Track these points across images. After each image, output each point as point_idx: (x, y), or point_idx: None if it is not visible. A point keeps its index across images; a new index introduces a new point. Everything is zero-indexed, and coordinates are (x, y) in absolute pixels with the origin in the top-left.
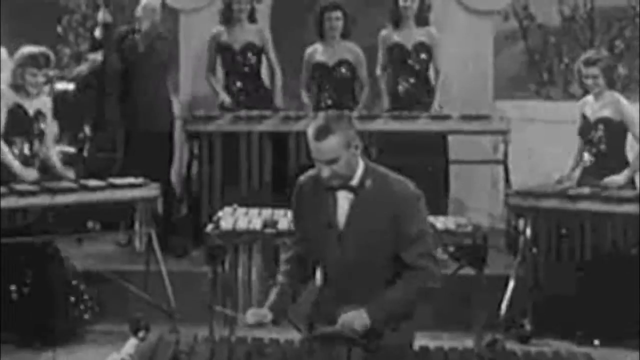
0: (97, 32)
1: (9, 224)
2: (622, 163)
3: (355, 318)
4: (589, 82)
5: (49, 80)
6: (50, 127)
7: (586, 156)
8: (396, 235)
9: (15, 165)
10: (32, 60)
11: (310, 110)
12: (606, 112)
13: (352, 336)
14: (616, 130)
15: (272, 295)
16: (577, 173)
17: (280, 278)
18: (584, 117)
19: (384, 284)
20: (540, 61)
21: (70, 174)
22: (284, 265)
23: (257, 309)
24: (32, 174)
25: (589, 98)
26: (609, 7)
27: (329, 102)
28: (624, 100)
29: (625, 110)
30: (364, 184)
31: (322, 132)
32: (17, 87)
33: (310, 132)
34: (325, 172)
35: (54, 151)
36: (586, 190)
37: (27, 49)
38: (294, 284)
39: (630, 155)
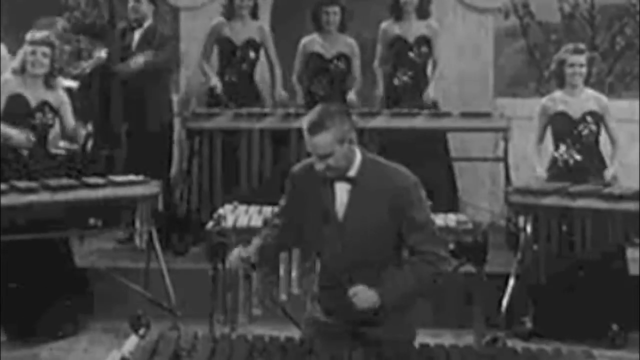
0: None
1: (9, 221)
2: (600, 157)
3: (368, 295)
4: (576, 70)
5: (54, 66)
6: (68, 120)
7: (566, 154)
8: (399, 224)
9: (10, 131)
10: (31, 39)
11: (302, 98)
12: (591, 106)
13: (357, 310)
14: (599, 124)
15: (257, 241)
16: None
17: (264, 232)
18: (562, 114)
19: (384, 272)
20: (540, 59)
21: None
22: (266, 230)
23: (242, 249)
24: (27, 136)
25: (558, 95)
26: (610, 4)
27: (321, 92)
28: (602, 95)
29: (606, 105)
30: (362, 174)
31: (316, 127)
32: (22, 71)
33: (305, 126)
34: (320, 165)
35: (81, 132)
36: (586, 187)
37: (30, 33)
38: (275, 247)
39: (603, 150)
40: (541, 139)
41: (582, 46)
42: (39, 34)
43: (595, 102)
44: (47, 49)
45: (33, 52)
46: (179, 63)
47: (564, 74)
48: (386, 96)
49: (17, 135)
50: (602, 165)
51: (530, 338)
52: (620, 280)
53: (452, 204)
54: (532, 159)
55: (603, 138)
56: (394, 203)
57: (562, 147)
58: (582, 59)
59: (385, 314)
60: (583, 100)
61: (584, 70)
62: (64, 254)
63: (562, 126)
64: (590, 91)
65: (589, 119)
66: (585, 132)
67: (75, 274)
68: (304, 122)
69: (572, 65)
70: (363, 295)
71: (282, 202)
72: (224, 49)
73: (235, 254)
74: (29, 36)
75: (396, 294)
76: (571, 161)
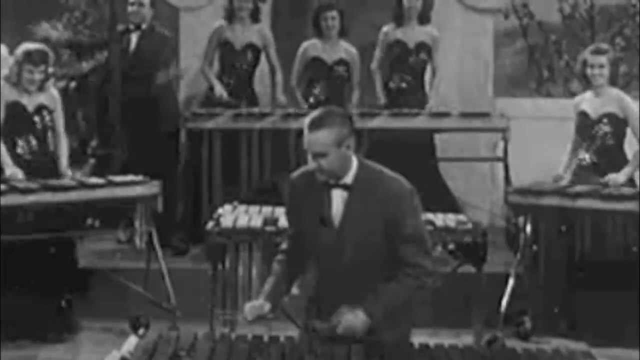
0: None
1: (9, 222)
2: (623, 160)
3: (355, 320)
4: (596, 72)
5: (48, 77)
6: (59, 120)
7: (584, 154)
8: (392, 232)
9: (8, 161)
10: (29, 57)
11: (302, 101)
12: (610, 108)
13: (353, 337)
14: (619, 126)
15: (268, 285)
16: (569, 171)
17: (275, 267)
18: (584, 114)
19: (379, 280)
20: (540, 59)
21: (69, 174)
22: (280, 255)
23: (254, 301)
24: (18, 173)
25: (587, 95)
26: (609, 4)
27: (322, 98)
28: (626, 97)
29: (628, 107)
30: (358, 182)
31: (315, 124)
32: (15, 83)
33: (306, 121)
34: (312, 164)
35: (65, 149)
36: (586, 187)
37: (25, 46)
38: (289, 273)
39: (629, 152)
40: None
41: (604, 47)
42: (35, 53)
43: (617, 104)
44: (43, 67)
45: (30, 72)
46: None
47: (586, 75)
48: (385, 100)
49: (11, 169)
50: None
51: (529, 338)
52: (624, 279)
53: (450, 206)
54: (562, 157)
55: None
56: (388, 212)
57: (582, 147)
58: (602, 59)
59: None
60: (604, 101)
61: (604, 71)
62: (67, 254)
63: (581, 126)
64: (615, 92)
65: (605, 120)
66: (601, 133)
67: (77, 274)
68: (306, 121)
69: (592, 66)
70: (352, 324)
71: (286, 212)
72: (224, 52)
73: (248, 309)
74: (24, 51)
75: (383, 310)
76: (587, 161)
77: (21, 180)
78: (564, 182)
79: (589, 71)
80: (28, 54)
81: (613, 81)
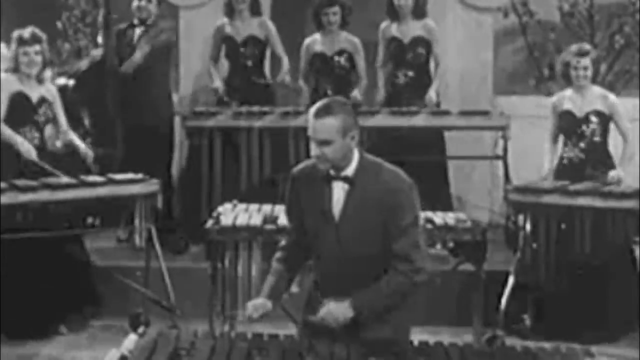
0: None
1: (9, 220)
2: (607, 156)
3: (339, 310)
4: (580, 73)
5: (46, 61)
6: (61, 115)
7: (571, 151)
8: (389, 225)
9: (16, 137)
10: (21, 40)
11: (308, 98)
12: (596, 106)
13: (333, 327)
14: (605, 123)
15: (268, 283)
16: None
17: (275, 264)
18: (568, 113)
19: (380, 273)
20: (540, 57)
21: (90, 153)
22: (280, 252)
23: (255, 300)
24: (31, 150)
25: (568, 93)
26: (609, 2)
27: (328, 91)
28: (610, 94)
29: (614, 104)
30: (359, 175)
31: (323, 111)
32: (16, 70)
33: (312, 109)
34: (316, 151)
35: (72, 134)
36: (586, 186)
37: (17, 32)
38: (288, 270)
39: (612, 149)
40: (554, 137)
41: (586, 47)
42: (26, 33)
43: (602, 102)
44: (38, 47)
45: (25, 53)
46: (177, 54)
47: (569, 75)
48: (387, 96)
49: (21, 144)
50: (608, 165)
51: (529, 336)
52: (623, 278)
53: (445, 203)
54: (544, 157)
55: (614, 138)
56: (388, 205)
57: (568, 145)
58: (585, 61)
59: (364, 321)
60: (589, 99)
61: (588, 72)
62: (77, 250)
63: (567, 124)
64: (598, 90)
65: (592, 118)
66: (589, 131)
67: (88, 269)
68: (312, 110)
69: (575, 68)
70: (335, 312)
71: (286, 206)
72: (227, 47)
73: (252, 307)
74: (16, 35)
75: (368, 306)
76: (575, 159)
77: (34, 161)
78: (549, 182)
79: (573, 73)
80: (20, 37)
81: (594, 79)
